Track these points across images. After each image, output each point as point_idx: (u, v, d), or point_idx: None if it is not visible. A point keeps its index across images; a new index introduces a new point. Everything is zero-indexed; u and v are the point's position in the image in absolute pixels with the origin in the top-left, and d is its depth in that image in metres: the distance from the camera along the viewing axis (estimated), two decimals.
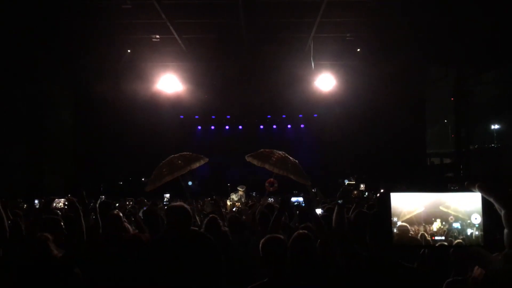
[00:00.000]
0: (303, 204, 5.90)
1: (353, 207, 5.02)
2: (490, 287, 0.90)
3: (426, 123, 20.88)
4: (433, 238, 1.01)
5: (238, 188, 12.19)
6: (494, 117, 20.78)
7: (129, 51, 17.07)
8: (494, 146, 20.04)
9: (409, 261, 3.03)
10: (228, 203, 11.38)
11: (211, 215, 5.58)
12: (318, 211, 6.09)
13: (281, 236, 3.41)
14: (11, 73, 15.74)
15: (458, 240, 1.00)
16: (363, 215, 3.94)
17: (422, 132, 20.78)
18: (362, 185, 6.70)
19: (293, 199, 11.06)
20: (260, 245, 3.30)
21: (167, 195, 6.24)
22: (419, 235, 1.01)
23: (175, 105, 19.85)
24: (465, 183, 0.99)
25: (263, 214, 5.68)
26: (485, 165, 17.58)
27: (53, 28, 14.61)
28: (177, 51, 16.96)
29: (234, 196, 11.84)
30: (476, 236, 1.00)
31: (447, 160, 21.73)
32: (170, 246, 3.79)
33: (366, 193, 7.09)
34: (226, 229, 5.66)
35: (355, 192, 5.87)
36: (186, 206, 3.94)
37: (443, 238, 1.00)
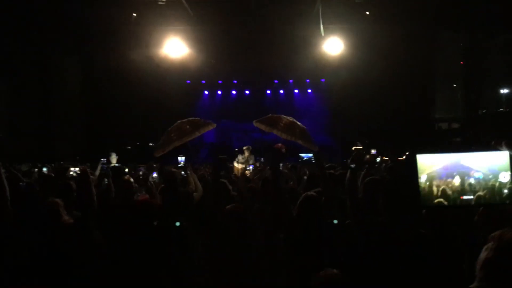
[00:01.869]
0: (313, 161, 5.86)
1: (363, 172, 4.84)
2: None
3: (435, 87, 20.65)
4: (460, 197, 1.01)
5: (243, 148, 11.99)
6: (503, 82, 20.50)
7: (134, 14, 16.78)
8: (503, 110, 19.83)
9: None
10: (236, 164, 11.25)
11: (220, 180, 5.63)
12: None
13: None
14: (18, 41, 15.64)
15: (479, 193, 1.01)
16: (375, 182, 3.84)
17: (431, 96, 20.57)
18: (373, 150, 6.54)
19: (303, 154, 11.01)
20: None
21: (182, 159, 6.16)
22: (440, 190, 1.02)
23: (181, 70, 19.68)
24: (492, 142, 1.00)
25: (266, 181, 5.70)
26: (494, 130, 17.45)
27: None
28: (183, 14, 16.64)
29: (240, 157, 11.65)
30: (507, 194, 1.00)
31: (455, 125, 21.59)
32: None
33: (379, 158, 6.96)
34: (235, 193, 5.72)
35: (368, 156, 5.76)
36: None
37: (471, 197, 1.01)
